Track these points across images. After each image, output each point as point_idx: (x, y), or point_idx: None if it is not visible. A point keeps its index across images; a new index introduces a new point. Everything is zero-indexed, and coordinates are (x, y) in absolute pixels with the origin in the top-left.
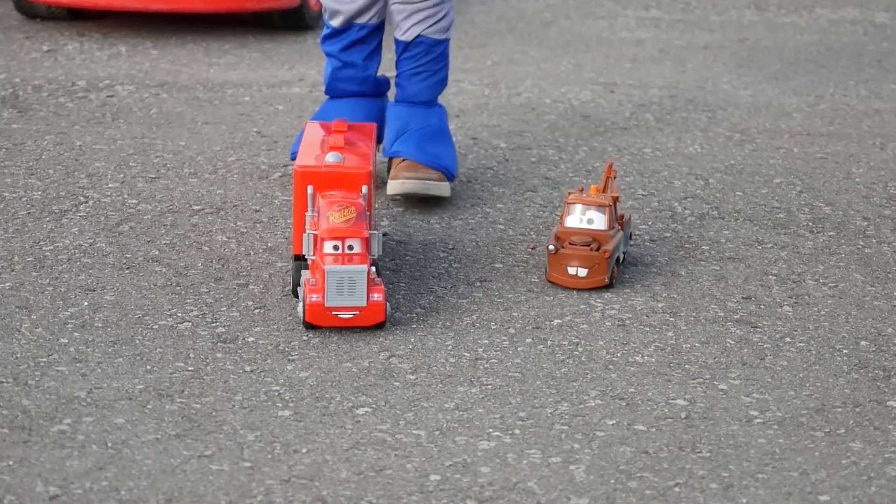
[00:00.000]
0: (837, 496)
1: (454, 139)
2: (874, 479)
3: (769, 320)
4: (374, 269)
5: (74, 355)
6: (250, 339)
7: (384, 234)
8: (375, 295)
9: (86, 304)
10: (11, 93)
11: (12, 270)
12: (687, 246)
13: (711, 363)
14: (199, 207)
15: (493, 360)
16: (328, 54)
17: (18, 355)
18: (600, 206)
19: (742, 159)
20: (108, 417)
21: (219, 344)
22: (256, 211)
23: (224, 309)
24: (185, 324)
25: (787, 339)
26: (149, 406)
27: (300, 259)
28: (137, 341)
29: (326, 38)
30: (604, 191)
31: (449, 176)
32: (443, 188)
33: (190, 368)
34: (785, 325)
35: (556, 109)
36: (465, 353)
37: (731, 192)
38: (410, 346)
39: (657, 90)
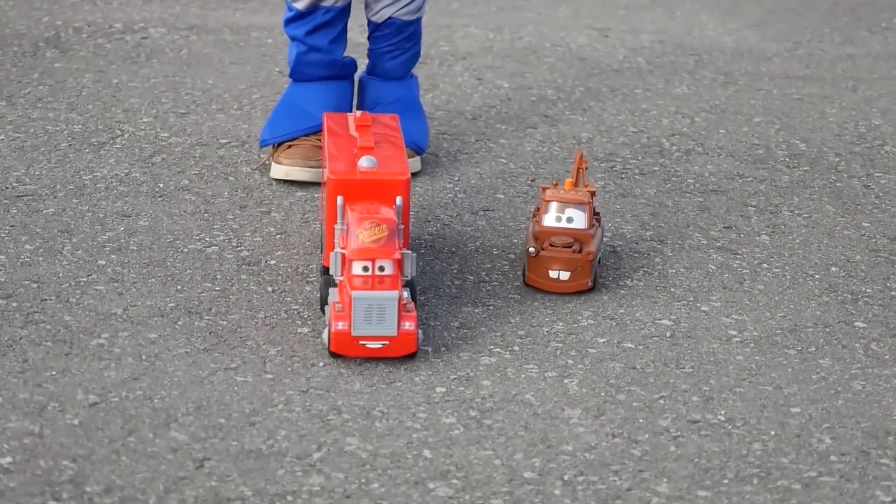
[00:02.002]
0: (807, 408)
1: (460, 80)
2: (841, 392)
3: (748, 248)
4: (406, 292)
5: (111, 276)
6: (272, 262)
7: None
8: (407, 324)
9: (122, 228)
10: (54, 34)
11: (55, 197)
12: (674, 179)
13: (695, 287)
14: (225, 141)
15: (495, 283)
16: (292, 38)
17: (61, 275)
18: (579, 204)
19: (725, 100)
20: (142, 332)
21: (243, 266)
22: None
23: (248, 234)
24: (213, 247)
25: (765, 265)
26: (179, 322)
27: (329, 273)
28: (169, 263)
29: (290, 20)
30: (575, 184)
31: (419, 151)
32: (412, 164)
33: (217, 288)
34: (762, 252)
35: (555, 52)
36: (470, 277)
37: (715, 130)
38: (419, 270)
39: (648, 35)
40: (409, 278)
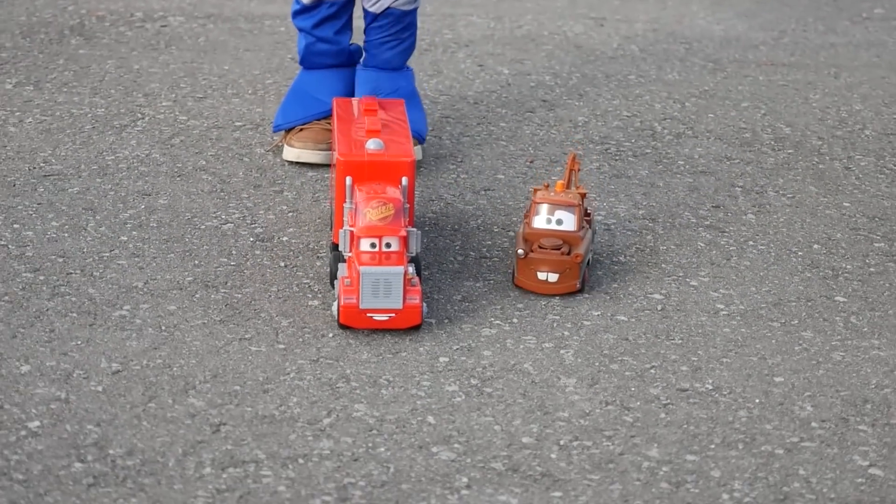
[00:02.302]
0: (790, 378)
1: (463, 67)
2: (822, 363)
3: (735, 226)
4: (411, 267)
5: (133, 251)
6: (284, 239)
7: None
8: (412, 297)
9: (142, 206)
10: (78, 22)
11: (79, 177)
12: (665, 161)
13: (684, 263)
14: (240, 124)
15: (496, 259)
16: (300, 29)
17: (85, 250)
18: (569, 206)
19: (714, 86)
20: (161, 305)
21: (257, 242)
22: None
23: (262, 212)
24: (228, 224)
25: (750, 243)
26: (197, 295)
27: (339, 249)
28: (187, 239)
29: (297, 13)
30: (567, 185)
31: (420, 139)
32: (415, 153)
33: (232, 263)
34: (748, 230)
35: (553, 40)
36: (471, 253)
37: (705, 115)
38: (424, 246)
39: (641, 24)
40: (414, 254)
